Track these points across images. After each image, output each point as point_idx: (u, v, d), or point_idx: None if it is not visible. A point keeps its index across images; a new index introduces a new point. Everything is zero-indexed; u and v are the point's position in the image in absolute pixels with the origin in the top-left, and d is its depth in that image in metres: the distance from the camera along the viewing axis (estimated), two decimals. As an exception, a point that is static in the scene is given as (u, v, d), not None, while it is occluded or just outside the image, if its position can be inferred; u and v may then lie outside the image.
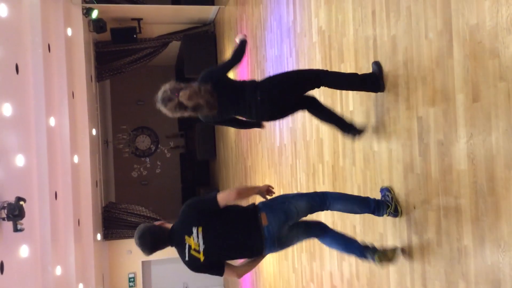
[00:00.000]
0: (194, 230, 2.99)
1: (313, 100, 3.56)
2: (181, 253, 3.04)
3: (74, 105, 7.56)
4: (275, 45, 6.26)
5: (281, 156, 6.19)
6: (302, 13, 5.17)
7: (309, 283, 5.39)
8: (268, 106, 3.32)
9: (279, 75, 3.45)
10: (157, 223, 3.13)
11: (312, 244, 5.15)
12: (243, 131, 8.21)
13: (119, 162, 13.33)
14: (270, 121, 3.60)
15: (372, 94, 3.56)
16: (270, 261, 7.05)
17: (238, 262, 3.30)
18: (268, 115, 3.46)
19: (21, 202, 4.24)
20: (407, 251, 3.24)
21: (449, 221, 2.78)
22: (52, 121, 6.20)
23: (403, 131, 3.24)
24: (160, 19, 10.47)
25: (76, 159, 7.53)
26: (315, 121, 4.87)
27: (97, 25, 8.77)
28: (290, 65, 5.66)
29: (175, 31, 10.55)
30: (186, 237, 2.99)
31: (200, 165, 12.68)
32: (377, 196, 3.46)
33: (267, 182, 6.77)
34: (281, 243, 3.10)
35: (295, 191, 5.58)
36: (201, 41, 10.44)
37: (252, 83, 3.40)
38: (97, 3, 8.83)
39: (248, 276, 8.68)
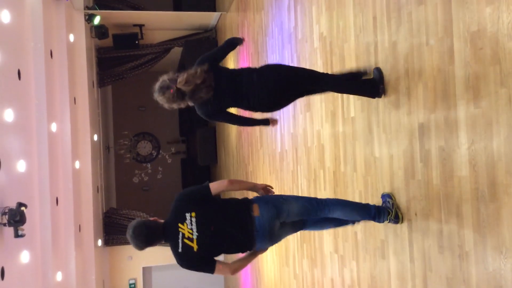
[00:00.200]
0: (188, 215, 3.02)
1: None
2: (175, 246, 3.02)
3: (75, 111, 7.57)
4: (276, 50, 6.28)
5: (282, 162, 6.19)
6: (303, 19, 5.18)
7: (310, 289, 5.37)
8: (265, 89, 3.29)
9: (278, 63, 3.45)
10: (151, 218, 3.14)
11: (314, 251, 5.14)
12: (244, 136, 8.21)
13: (120, 167, 13.33)
14: (269, 110, 3.54)
15: (373, 100, 3.57)
16: (271, 267, 7.03)
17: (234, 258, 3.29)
18: (266, 101, 3.36)
19: (22, 208, 4.24)
20: (408, 257, 3.23)
21: (451, 227, 2.78)
22: (53, 127, 6.21)
23: (404, 137, 3.24)
24: (162, 25, 10.51)
25: (77, 164, 7.54)
26: (316, 127, 4.88)
27: (99, 31, 8.80)
28: (291, 71, 5.66)
29: (177, 37, 10.58)
30: (180, 224, 3.01)
31: (201, 171, 12.66)
32: (378, 202, 3.45)
33: (268, 188, 6.75)
34: (272, 237, 3.12)
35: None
36: (203, 47, 10.44)
37: (249, 68, 3.44)
38: (99, 9, 8.88)
39: (249, 283, 8.65)
